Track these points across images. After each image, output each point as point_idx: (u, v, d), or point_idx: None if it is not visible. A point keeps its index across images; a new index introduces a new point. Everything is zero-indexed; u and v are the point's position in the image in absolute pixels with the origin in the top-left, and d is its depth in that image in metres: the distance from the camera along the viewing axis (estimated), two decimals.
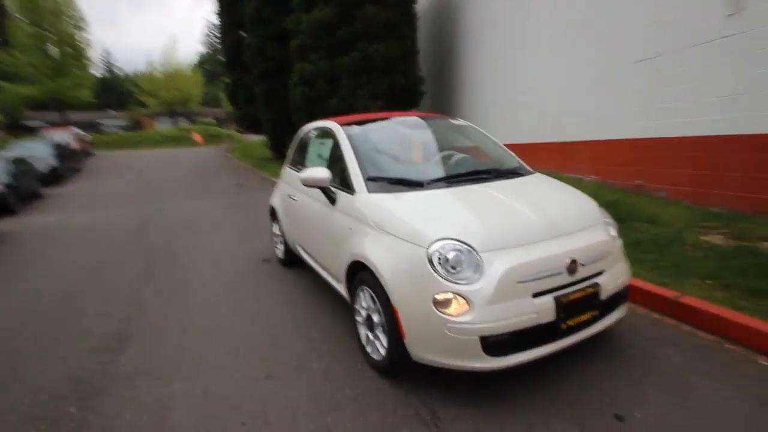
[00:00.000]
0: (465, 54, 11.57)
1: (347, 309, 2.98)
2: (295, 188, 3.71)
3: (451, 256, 2.00)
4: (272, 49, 14.36)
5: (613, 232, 2.40)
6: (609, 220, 2.48)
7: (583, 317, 2.11)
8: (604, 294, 2.16)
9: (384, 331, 2.26)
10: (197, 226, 6.66)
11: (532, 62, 8.15)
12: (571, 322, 2.06)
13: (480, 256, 1.99)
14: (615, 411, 1.98)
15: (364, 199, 2.51)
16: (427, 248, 2.04)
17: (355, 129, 3.06)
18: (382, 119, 3.43)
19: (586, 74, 6.63)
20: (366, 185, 2.56)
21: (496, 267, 1.97)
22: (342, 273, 2.66)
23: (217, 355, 2.70)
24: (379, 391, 2.22)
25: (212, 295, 3.80)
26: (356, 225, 2.49)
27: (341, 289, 2.85)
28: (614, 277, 2.24)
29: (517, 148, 3.62)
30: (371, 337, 2.42)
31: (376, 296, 2.25)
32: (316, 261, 3.37)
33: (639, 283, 3.00)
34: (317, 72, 11.47)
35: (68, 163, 16.00)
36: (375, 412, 2.05)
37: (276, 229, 4.55)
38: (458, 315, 1.92)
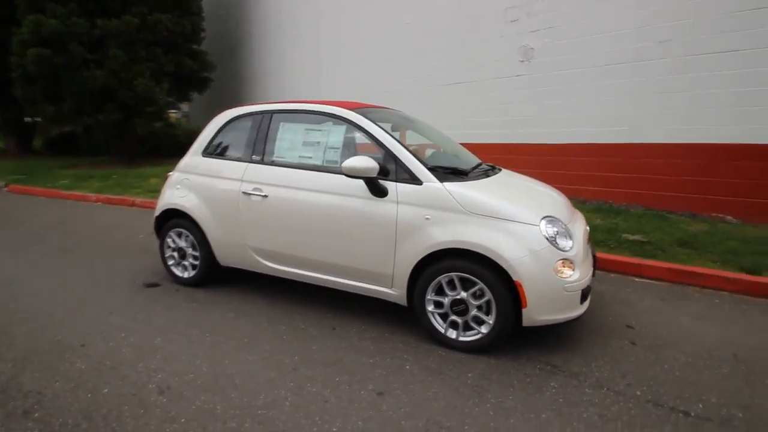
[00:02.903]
0: (264, 40, 11.12)
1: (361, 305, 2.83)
2: (256, 182, 3.05)
3: (555, 229, 2.45)
4: None
5: None
6: None
7: None
8: None
9: (487, 310, 2.44)
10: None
11: (355, 69, 8.89)
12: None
13: (567, 227, 2.51)
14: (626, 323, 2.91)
15: (441, 188, 2.53)
16: (539, 225, 2.41)
17: (370, 118, 2.89)
18: (359, 109, 3.30)
19: (411, 90, 7.89)
20: (433, 175, 2.58)
21: (576, 234, 2.55)
22: (404, 268, 2.58)
23: None
24: (492, 362, 2.37)
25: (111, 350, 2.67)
26: (438, 214, 2.48)
27: (386, 289, 2.73)
28: None
29: None
30: (460, 321, 2.52)
31: (481, 277, 2.39)
32: (311, 267, 2.95)
33: None
34: (70, 33, 8.50)
35: None
36: (515, 380, 2.23)
37: (181, 241, 3.52)
38: (570, 276, 2.38)
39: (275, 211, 3.00)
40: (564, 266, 2.39)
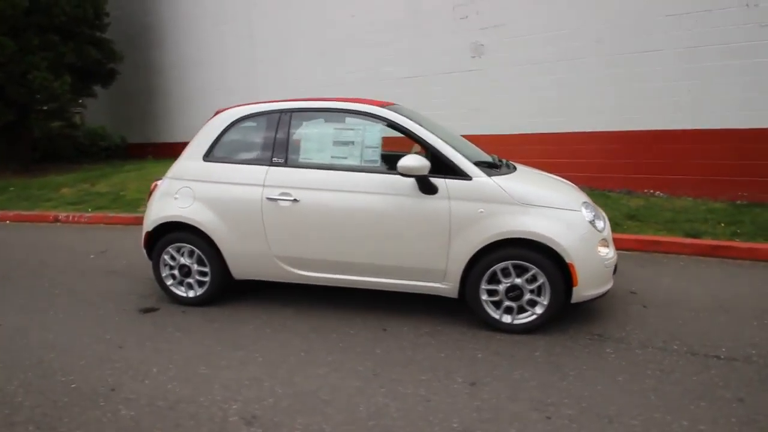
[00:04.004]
0: (180, 27, 10.08)
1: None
2: (282, 186, 2.85)
3: (593, 213, 2.74)
4: None
5: None
6: None
7: None
8: None
9: (538, 293, 2.63)
10: None
11: (294, 60, 8.52)
12: None
13: (597, 210, 2.80)
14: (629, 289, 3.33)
15: (491, 182, 2.64)
16: (581, 211, 2.66)
17: (405, 115, 2.87)
18: (391, 107, 3.19)
19: (357, 83, 7.82)
20: (480, 170, 2.68)
21: (604, 217, 2.85)
22: (459, 261, 2.66)
23: None
24: (548, 339, 2.56)
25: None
26: (491, 207, 2.59)
27: (437, 284, 2.77)
28: None
29: None
30: (515, 305, 2.68)
31: (537, 262, 2.57)
32: (353, 270, 2.86)
33: None
34: None
35: None
36: (577, 352, 2.43)
37: (183, 258, 3.15)
38: (606, 253, 2.68)
39: (310, 215, 2.84)
40: (601, 245, 2.69)
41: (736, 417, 1.96)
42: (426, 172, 2.60)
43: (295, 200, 2.86)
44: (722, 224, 4.65)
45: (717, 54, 5.10)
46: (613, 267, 2.77)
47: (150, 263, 3.31)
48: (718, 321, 2.85)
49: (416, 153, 3.19)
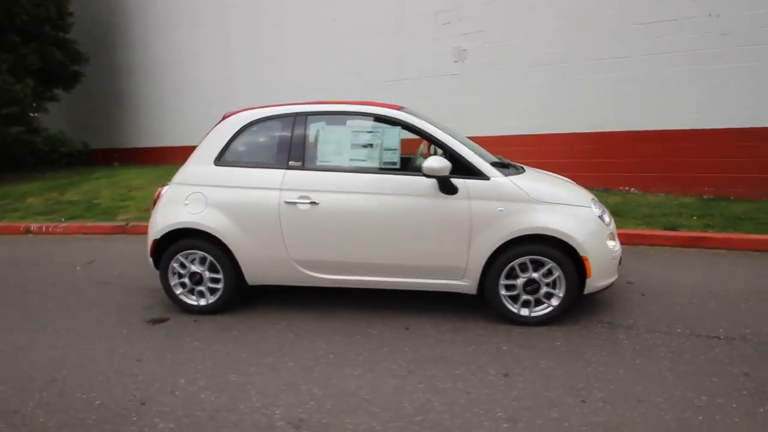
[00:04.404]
0: (150, 27, 9.70)
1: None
2: (300, 189, 2.85)
3: (601, 208, 2.91)
4: None
5: None
6: None
7: None
8: None
9: (556, 285, 2.76)
10: None
11: (274, 64, 8.41)
12: None
13: (603, 206, 2.98)
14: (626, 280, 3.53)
15: (509, 182, 2.75)
16: (591, 207, 2.82)
17: (422, 118, 2.95)
18: (404, 110, 3.23)
19: (339, 87, 7.83)
20: (497, 170, 2.78)
21: (608, 212, 3.04)
22: (479, 259, 2.76)
23: None
24: (564, 329, 2.70)
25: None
26: (510, 205, 2.70)
27: (456, 281, 2.85)
28: None
29: None
30: (532, 299, 2.80)
31: (553, 257, 2.70)
32: (373, 271, 2.89)
33: None
34: None
35: None
36: (593, 340, 2.58)
37: (194, 265, 3.08)
38: (614, 246, 2.86)
39: (330, 218, 2.85)
40: (609, 239, 2.87)
41: (746, 390, 2.15)
42: (447, 173, 2.68)
43: (314, 203, 2.86)
44: (695, 217, 5.03)
45: (684, 60, 5.51)
46: (619, 259, 2.96)
47: (148, 272, 3.22)
48: (711, 305, 3.09)
49: (422, 154, 3.28)
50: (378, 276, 2.95)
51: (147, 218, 6.14)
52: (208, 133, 3.17)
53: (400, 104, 3.32)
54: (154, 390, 2.30)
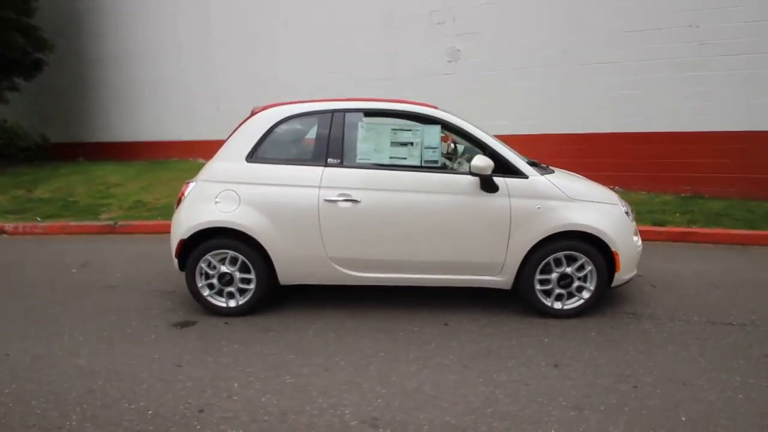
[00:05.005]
0: (122, 17, 9.14)
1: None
2: (340, 187, 2.83)
3: (625, 206, 3.06)
4: None
5: None
6: None
7: None
8: None
9: (591, 279, 2.90)
10: None
11: (259, 59, 8.18)
12: None
13: (627, 204, 3.15)
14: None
15: (546, 181, 2.87)
16: (618, 204, 2.98)
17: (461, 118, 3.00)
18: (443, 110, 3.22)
19: (330, 84, 7.74)
20: (534, 169, 2.88)
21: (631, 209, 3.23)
22: (517, 255, 2.85)
23: None
24: (594, 321, 2.83)
25: None
26: (547, 203, 2.81)
27: (493, 277, 2.93)
28: None
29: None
30: (565, 292, 2.93)
31: (587, 252, 2.84)
32: (413, 269, 2.92)
33: None
34: None
35: None
36: (624, 330, 2.73)
37: (224, 266, 2.97)
38: (637, 241, 3.04)
39: (372, 216, 2.85)
40: (634, 234, 3.05)
41: None
42: (490, 172, 2.76)
43: (355, 201, 2.84)
44: (677, 213, 5.41)
45: (667, 67, 5.91)
46: (639, 254, 3.16)
47: (154, 274, 3.13)
48: (715, 295, 3.36)
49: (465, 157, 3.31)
50: (416, 273, 2.97)
51: (135, 217, 5.91)
52: (236, 129, 3.07)
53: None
54: (207, 396, 2.21)
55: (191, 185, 3.07)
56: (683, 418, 2.01)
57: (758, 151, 5.70)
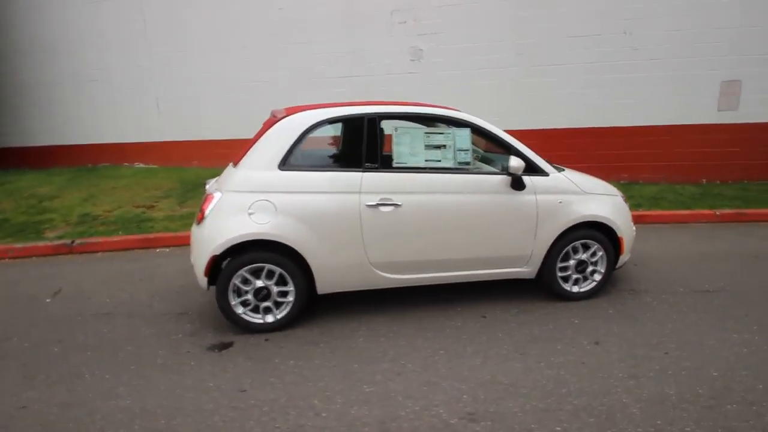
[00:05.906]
0: (36, 5, 7.87)
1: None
2: (381, 192, 2.84)
3: (623, 195, 3.44)
4: None
5: None
6: None
7: None
8: None
9: (602, 263, 3.25)
10: None
11: (203, 55, 7.63)
12: None
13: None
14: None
15: (564, 177, 3.16)
16: (618, 195, 3.37)
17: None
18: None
19: (284, 82, 7.47)
20: (552, 167, 3.13)
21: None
22: (542, 246, 3.11)
23: None
24: (605, 300, 3.18)
25: None
26: (566, 197, 3.09)
27: (520, 269, 3.17)
28: None
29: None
30: (581, 277, 3.26)
31: (599, 240, 3.17)
32: (450, 267, 3.05)
33: None
34: None
35: None
36: (634, 305, 3.11)
37: (260, 280, 2.84)
38: (633, 227, 3.45)
39: (414, 219, 2.90)
40: (631, 220, 3.47)
41: (756, 325, 2.90)
42: (521, 172, 2.96)
43: (397, 205, 2.87)
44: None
45: (606, 69, 6.66)
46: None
47: (150, 295, 3.01)
48: (692, 269, 3.91)
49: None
50: (453, 271, 3.10)
51: (89, 233, 5.26)
52: (263, 136, 2.90)
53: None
54: (294, 417, 2.14)
55: (216, 196, 2.86)
56: (714, 374, 2.41)
57: (681, 141, 6.72)
